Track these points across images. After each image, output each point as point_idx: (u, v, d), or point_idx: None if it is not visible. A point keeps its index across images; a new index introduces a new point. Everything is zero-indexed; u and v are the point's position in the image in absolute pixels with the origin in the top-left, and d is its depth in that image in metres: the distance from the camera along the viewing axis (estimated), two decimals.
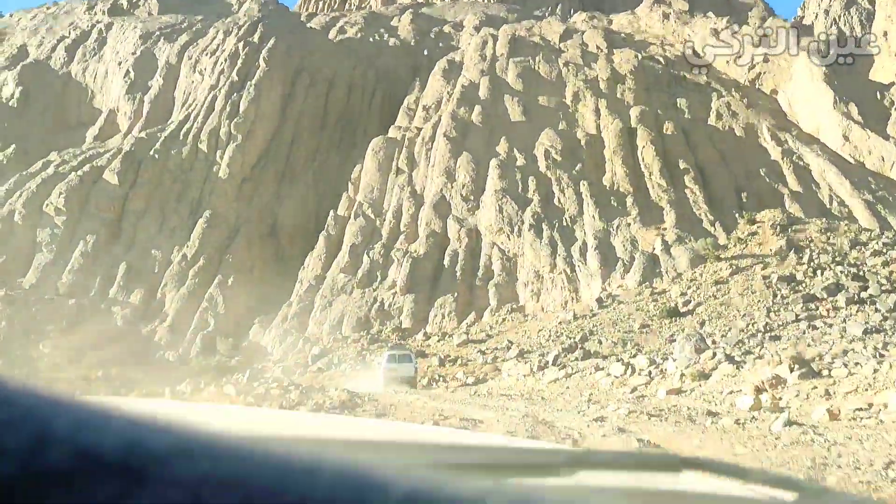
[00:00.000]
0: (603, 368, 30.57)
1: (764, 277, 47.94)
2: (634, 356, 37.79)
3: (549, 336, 47.18)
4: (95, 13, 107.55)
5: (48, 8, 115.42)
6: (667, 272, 52.94)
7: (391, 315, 57.70)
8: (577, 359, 38.88)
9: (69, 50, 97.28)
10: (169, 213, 72.73)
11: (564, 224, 59.70)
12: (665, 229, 57.12)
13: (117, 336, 61.60)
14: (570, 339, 44.90)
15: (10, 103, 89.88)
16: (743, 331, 39.73)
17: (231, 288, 65.77)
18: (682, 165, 64.17)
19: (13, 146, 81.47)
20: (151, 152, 76.42)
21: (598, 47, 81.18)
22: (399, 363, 37.52)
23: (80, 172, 74.15)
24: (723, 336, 39.15)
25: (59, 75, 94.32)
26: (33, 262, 68.66)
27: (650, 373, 27.28)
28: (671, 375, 25.50)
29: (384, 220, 66.69)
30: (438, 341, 52.47)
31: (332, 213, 70.53)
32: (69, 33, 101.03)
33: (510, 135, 69.59)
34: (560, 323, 49.37)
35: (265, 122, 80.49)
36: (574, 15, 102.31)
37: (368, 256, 62.98)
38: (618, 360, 31.95)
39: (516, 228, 60.02)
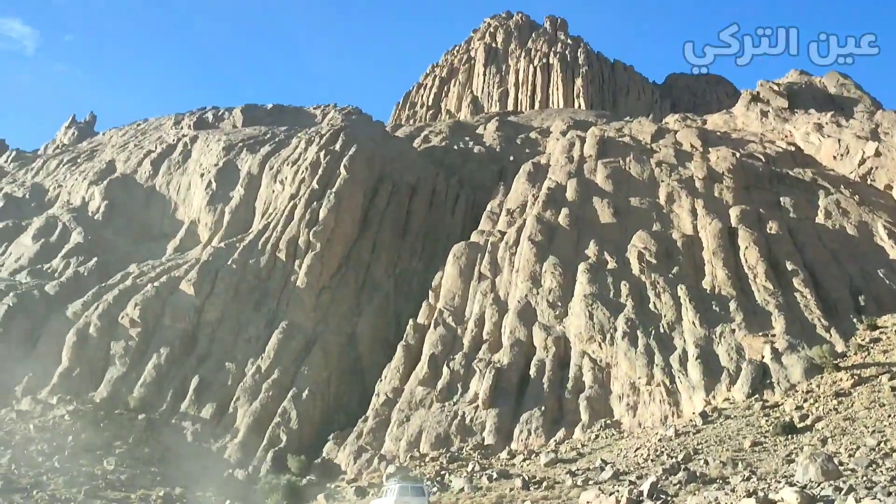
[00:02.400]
0: None
1: (892, 388, 42.75)
2: (748, 479, 32.70)
3: (648, 455, 42.39)
4: (182, 127, 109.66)
5: (138, 124, 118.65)
6: (778, 383, 47.71)
7: (473, 431, 53.39)
8: (680, 483, 33.85)
9: (155, 163, 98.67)
10: (245, 323, 70.51)
11: (662, 331, 54.89)
12: (774, 336, 51.85)
13: (186, 453, 58.94)
14: (672, 458, 40.46)
15: (96, 217, 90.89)
16: (874, 450, 34.49)
17: (305, 402, 62.76)
18: (789, 267, 59.02)
19: (95, 259, 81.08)
20: (229, 262, 75.02)
21: (692, 146, 77.48)
22: (412, 496, 35.26)
23: (156, 284, 72.95)
24: (850, 455, 33.96)
25: (144, 188, 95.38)
26: (105, 374, 66.78)
27: None
28: None
29: (465, 328, 62.90)
30: (524, 460, 47.89)
31: (411, 321, 67.27)
32: (155, 147, 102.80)
33: (600, 237, 65.76)
34: (660, 440, 44.56)
35: (345, 231, 78.76)
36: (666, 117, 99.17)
37: (449, 367, 59.01)
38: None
39: (608, 336, 55.39)
